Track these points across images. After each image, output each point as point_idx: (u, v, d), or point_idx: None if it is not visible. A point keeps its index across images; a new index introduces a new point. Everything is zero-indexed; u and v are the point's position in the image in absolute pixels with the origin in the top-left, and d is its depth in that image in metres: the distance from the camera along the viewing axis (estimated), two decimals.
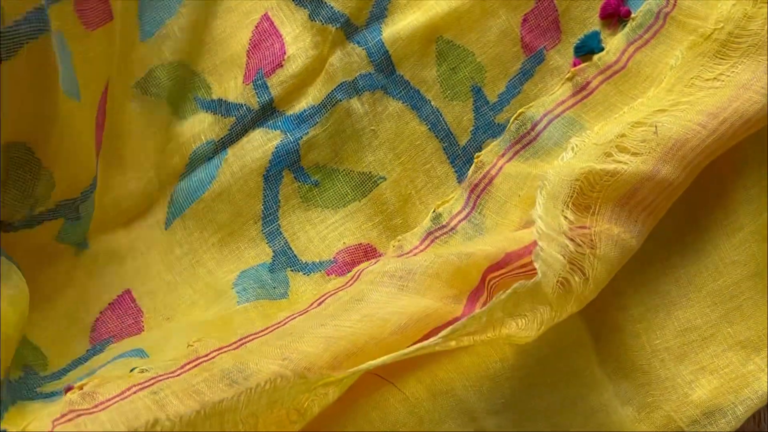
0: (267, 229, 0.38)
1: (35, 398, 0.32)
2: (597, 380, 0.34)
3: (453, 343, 0.30)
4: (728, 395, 0.34)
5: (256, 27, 0.39)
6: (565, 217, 0.32)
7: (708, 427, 0.34)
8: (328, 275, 0.38)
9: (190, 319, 0.36)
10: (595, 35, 0.39)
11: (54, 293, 0.36)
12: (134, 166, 0.38)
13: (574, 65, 0.39)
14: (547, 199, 0.32)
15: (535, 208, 0.32)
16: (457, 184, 0.39)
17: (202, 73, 0.39)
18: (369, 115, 0.38)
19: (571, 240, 0.31)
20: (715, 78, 0.35)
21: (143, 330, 0.37)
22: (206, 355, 0.30)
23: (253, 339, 0.31)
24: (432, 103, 0.39)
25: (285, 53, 0.39)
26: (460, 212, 0.37)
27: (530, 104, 0.38)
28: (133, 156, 0.38)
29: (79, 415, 0.27)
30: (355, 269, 0.35)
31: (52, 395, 0.32)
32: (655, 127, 0.33)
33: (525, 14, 0.39)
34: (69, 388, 0.29)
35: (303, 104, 0.38)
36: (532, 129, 0.38)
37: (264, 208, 0.38)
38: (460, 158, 0.39)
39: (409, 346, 0.29)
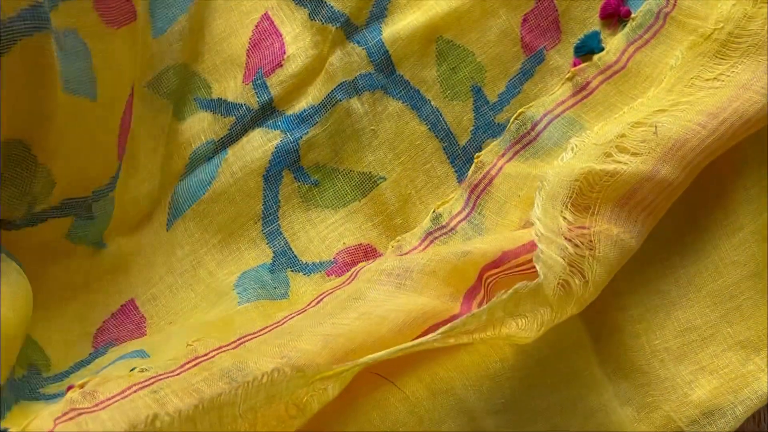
0: (267, 229, 0.38)
1: (38, 399, 0.33)
2: (597, 381, 0.34)
3: (452, 341, 0.30)
4: (727, 395, 0.34)
5: (256, 26, 0.39)
6: (564, 218, 0.32)
7: (707, 427, 0.34)
8: (328, 276, 0.38)
9: (191, 321, 0.36)
10: (595, 35, 0.39)
11: (65, 293, 0.36)
12: (145, 167, 0.38)
13: (574, 65, 0.39)
14: (546, 200, 0.32)
15: (533, 209, 0.32)
16: (457, 183, 0.39)
17: (202, 73, 0.39)
18: (369, 115, 0.38)
19: (570, 241, 0.31)
20: (715, 78, 0.35)
21: (145, 335, 0.37)
22: (205, 355, 0.30)
23: (251, 338, 0.31)
24: (432, 103, 0.39)
25: (285, 53, 0.39)
26: (460, 212, 0.37)
27: (530, 104, 0.38)
28: (144, 157, 0.38)
29: (80, 414, 0.27)
30: (353, 269, 0.35)
31: (54, 397, 0.33)
32: (655, 127, 0.33)
33: (525, 14, 0.39)
34: (70, 387, 0.29)
35: (303, 104, 0.38)
36: (532, 129, 0.38)
37: (264, 208, 0.38)
38: (460, 158, 0.39)
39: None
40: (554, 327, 0.32)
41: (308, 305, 0.33)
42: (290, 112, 0.38)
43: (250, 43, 0.39)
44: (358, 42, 0.38)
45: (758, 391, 0.34)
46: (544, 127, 0.38)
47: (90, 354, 0.35)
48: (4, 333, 0.29)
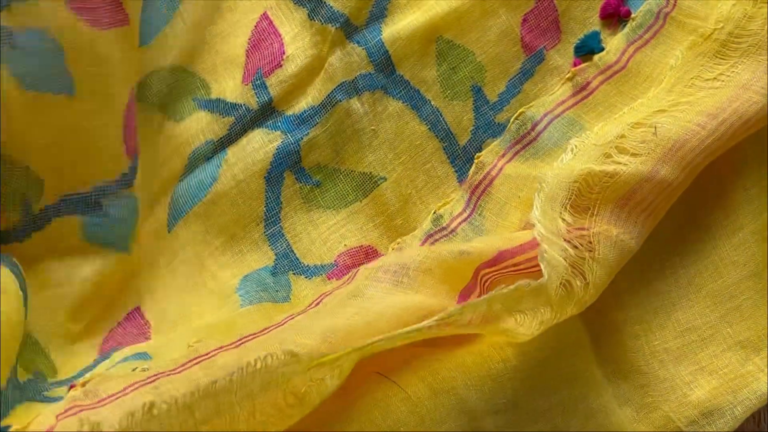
0: (269, 231, 0.38)
1: (43, 401, 0.33)
2: (597, 381, 0.35)
3: (448, 329, 0.30)
4: (727, 395, 0.34)
5: (255, 26, 0.39)
6: (563, 219, 0.32)
7: (706, 427, 0.34)
8: (329, 279, 0.38)
9: (194, 325, 0.36)
10: (595, 35, 0.39)
11: (79, 300, 0.36)
12: (141, 169, 0.37)
13: (575, 65, 0.39)
14: (545, 201, 0.33)
15: (532, 210, 0.32)
16: (457, 183, 0.39)
17: (200, 74, 0.39)
18: (369, 115, 0.38)
19: (570, 243, 0.31)
20: (715, 78, 0.35)
21: (149, 339, 0.37)
22: (206, 354, 0.30)
23: (252, 339, 0.31)
24: (432, 103, 0.39)
25: (284, 53, 0.39)
26: (460, 213, 0.38)
27: (530, 104, 0.38)
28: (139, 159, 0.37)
29: (81, 410, 0.28)
30: (353, 271, 0.35)
31: (59, 399, 0.33)
32: (655, 128, 0.34)
33: (525, 14, 0.39)
34: (72, 386, 0.29)
35: (303, 104, 0.39)
36: (532, 129, 0.38)
37: (266, 209, 0.38)
38: (460, 158, 0.39)
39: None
40: (555, 328, 0.32)
41: (308, 307, 0.33)
42: (290, 112, 0.38)
43: (249, 44, 0.39)
44: (357, 42, 0.38)
45: (757, 391, 0.34)
46: (545, 128, 0.38)
47: (95, 360, 0.35)
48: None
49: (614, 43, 0.38)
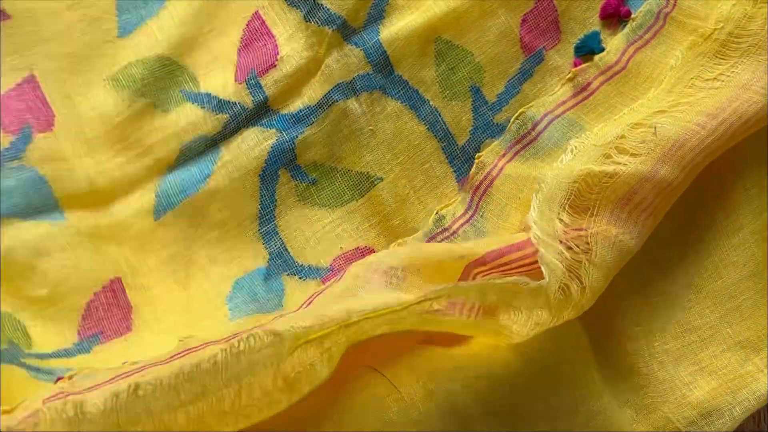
0: (263, 229, 0.38)
1: (21, 366, 0.33)
2: (596, 383, 0.35)
3: (439, 320, 0.30)
4: (726, 396, 0.34)
5: (246, 25, 0.39)
6: (561, 220, 0.32)
7: (705, 427, 0.34)
8: (324, 284, 0.37)
9: (179, 332, 0.36)
10: (595, 35, 0.39)
11: (39, 264, 0.36)
12: (106, 149, 0.38)
13: (575, 65, 0.39)
14: (543, 202, 0.33)
15: (530, 211, 0.33)
16: (456, 183, 0.39)
17: (189, 67, 0.39)
18: (367, 115, 0.38)
19: (565, 244, 0.31)
20: (715, 78, 0.35)
21: (131, 330, 0.36)
22: (195, 348, 0.30)
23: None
24: (431, 103, 0.39)
25: (278, 54, 0.38)
26: (462, 215, 0.37)
27: (530, 104, 0.38)
28: (105, 139, 0.38)
29: (68, 395, 0.28)
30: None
31: (37, 370, 0.33)
32: (654, 128, 0.34)
33: (524, 14, 0.39)
34: (60, 378, 0.30)
35: (298, 104, 0.38)
36: (533, 129, 0.38)
37: (260, 207, 0.38)
38: (459, 158, 0.39)
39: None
40: (554, 330, 0.32)
41: (299, 308, 0.33)
42: (285, 111, 0.38)
43: (241, 42, 0.39)
44: (355, 44, 0.38)
45: (757, 391, 0.34)
46: (545, 127, 0.38)
47: (74, 344, 0.36)
48: None
49: (614, 44, 0.38)
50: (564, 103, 0.38)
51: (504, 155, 0.38)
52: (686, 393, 0.34)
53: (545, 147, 0.37)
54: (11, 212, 0.36)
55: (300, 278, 0.38)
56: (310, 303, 0.33)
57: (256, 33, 0.39)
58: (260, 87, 0.38)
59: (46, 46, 0.38)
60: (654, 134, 0.33)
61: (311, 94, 0.38)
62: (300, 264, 0.38)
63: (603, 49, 0.38)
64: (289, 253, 0.38)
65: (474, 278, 0.33)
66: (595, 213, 0.32)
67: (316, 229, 0.38)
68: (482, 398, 0.32)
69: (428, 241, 0.37)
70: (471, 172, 0.38)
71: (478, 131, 0.39)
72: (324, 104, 0.38)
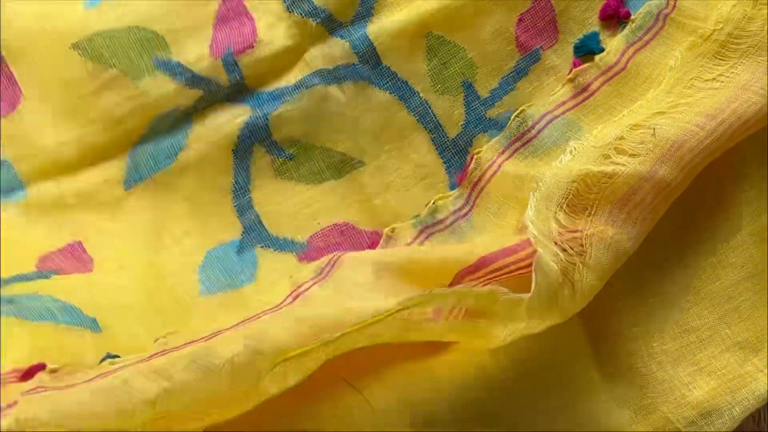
0: (238, 202, 0.38)
1: None
2: (595, 384, 0.35)
3: (417, 329, 0.30)
4: (725, 396, 0.34)
5: (224, 1, 0.39)
6: (557, 220, 0.32)
7: (705, 427, 0.34)
8: (300, 261, 0.37)
9: (146, 302, 0.36)
10: (595, 36, 0.39)
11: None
12: (73, 119, 0.38)
13: (575, 65, 0.39)
14: (540, 201, 0.33)
15: (527, 210, 0.33)
16: (446, 174, 0.38)
17: (160, 33, 0.38)
18: (351, 103, 0.38)
19: (559, 246, 0.31)
20: (714, 79, 0.35)
21: (92, 271, 0.36)
22: (176, 348, 0.30)
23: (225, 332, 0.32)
24: (421, 95, 0.39)
25: (257, 37, 0.38)
26: (459, 210, 0.37)
27: (530, 103, 0.38)
28: (72, 110, 0.38)
29: (46, 390, 0.29)
30: (328, 257, 0.35)
31: None
32: (653, 129, 0.34)
33: (521, 14, 0.39)
34: (41, 367, 0.30)
35: (275, 85, 0.38)
36: (532, 127, 0.38)
37: (234, 181, 0.38)
38: (450, 150, 0.39)
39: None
40: (549, 332, 0.32)
41: (283, 302, 0.33)
42: (261, 90, 0.38)
43: (217, 17, 0.39)
44: (341, 36, 0.38)
45: (756, 391, 0.34)
46: (544, 126, 0.38)
47: (33, 272, 0.35)
48: None
49: (614, 45, 0.38)
50: (564, 103, 0.38)
51: (503, 152, 0.38)
52: (685, 393, 0.34)
53: (544, 146, 0.37)
54: None
55: (275, 250, 0.37)
56: (295, 298, 0.33)
57: (234, 10, 0.38)
58: (236, 65, 0.38)
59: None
60: (653, 135, 0.33)
61: (290, 78, 0.38)
62: (275, 236, 0.38)
63: (602, 50, 0.38)
64: (263, 225, 0.38)
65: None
66: (592, 213, 0.32)
67: (292, 203, 0.38)
68: (457, 407, 0.33)
69: (422, 233, 0.37)
70: (469, 168, 0.38)
71: (470, 125, 0.39)
72: (302, 86, 0.38)
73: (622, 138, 0.34)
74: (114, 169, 0.38)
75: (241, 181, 0.38)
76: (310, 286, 0.33)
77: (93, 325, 0.34)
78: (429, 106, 0.38)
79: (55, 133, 0.37)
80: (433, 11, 0.38)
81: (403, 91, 0.38)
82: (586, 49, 0.39)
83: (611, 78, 0.37)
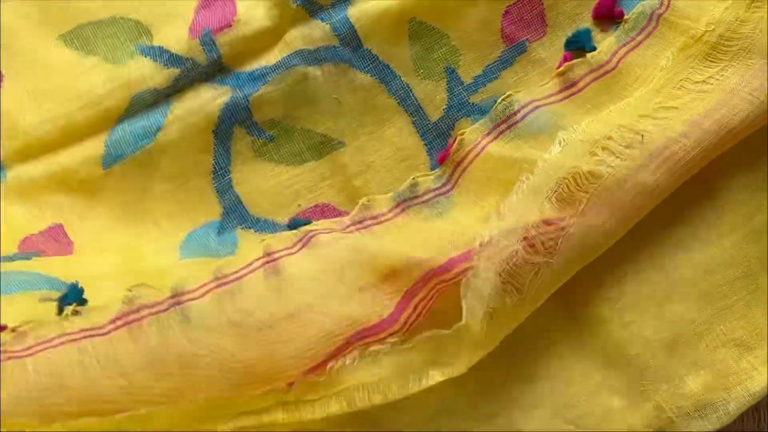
0: (218, 183, 0.38)
1: None
2: (586, 372, 0.34)
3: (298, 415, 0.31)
4: (720, 391, 0.34)
5: None
6: (541, 211, 0.32)
7: (699, 420, 0.34)
8: None
9: (125, 262, 0.36)
10: (587, 32, 0.39)
11: None
12: (53, 99, 0.37)
13: (566, 59, 0.38)
14: (527, 191, 0.33)
15: (510, 196, 0.33)
16: (426, 156, 0.38)
17: (143, 22, 0.38)
18: (330, 84, 0.38)
19: (528, 242, 0.31)
20: (704, 81, 0.35)
21: (72, 254, 0.36)
22: (137, 311, 0.30)
23: (186, 300, 0.31)
24: (402, 78, 0.38)
25: (235, 16, 0.38)
26: (440, 188, 0.37)
27: (518, 89, 0.38)
28: (53, 91, 0.37)
29: (9, 358, 0.29)
30: (301, 231, 0.34)
31: None
32: (642, 136, 0.33)
33: (507, 6, 0.39)
34: (3, 328, 0.30)
35: (255, 65, 0.38)
36: (518, 111, 0.37)
37: (215, 162, 0.38)
38: (431, 132, 0.38)
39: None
40: (540, 323, 0.33)
41: (255, 261, 0.33)
42: (240, 70, 0.38)
43: (199, 2, 0.38)
44: (322, 19, 0.38)
45: (751, 389, 0.34)
46: (530, 112, 0.37)
47: (15, 253, 0.35)
48: None
49: (605, 44, 0.38)
50: (551, 96, 0.37)
51: (488, 134, 0.37)
52: (679, 384, 0.34)
53: (530, 130, 0.37)
54: None
55: (255, 231, 0.37)
56: (266, 263, 0.33)
57: None
58: (214, 44, 0.37)
59: None
60: (641, 143, 0.33)
61: (269, 57, 0.38)
62: (255, 217, 0.38)
63: (594, 48, 0.38)
64: (243, 206, 0.38)
65: (434, 289, 0.32)
66: (578, 210, 0.32)
67: (272, 184, 0.38)
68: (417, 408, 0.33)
69: (399, 206, 0.36)
70: (453, 148, 0.37)
71: (453, 110, 0.38)
72: (282, 66, 0.38)
73: (610, 138, 0.34)
74: (93, 149, 0.37)
75: (221, 161, 0.38)
76: (284, 256, 0.33)
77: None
78: (410, 90, 0.38)
79: (34, 114, 0.37)
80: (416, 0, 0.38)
81: (384, 74, 0.38)
82: (578, 45, 0.38)
83: (601, 76, 0.37)
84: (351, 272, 0.32)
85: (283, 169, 0.38)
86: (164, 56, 0.37)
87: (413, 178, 0.37)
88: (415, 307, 0.32)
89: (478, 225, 0.34)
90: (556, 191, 0.33)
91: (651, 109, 0.35)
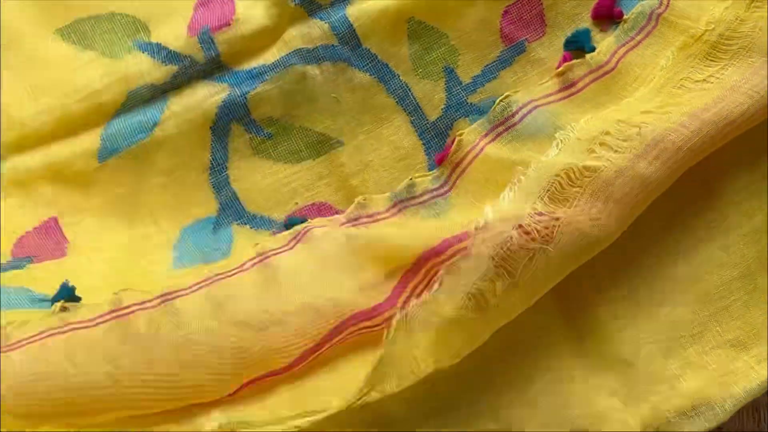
0: (214, 179, 0.38)
1: None
2: (582, 373, 0.34)
3: None
4: (716, 390, 0.34)
5: None
6: (534, 208, 0.32)
7: (695, 418, 0.34)
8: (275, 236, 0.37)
9: (117, 282, 0.35)
10: (587, 32, 0.39)
11: None
12: (49, 92, 0.37)
13: (565, 59, 0.38)
14: (519, 191, 0.33)
15: (504, 192, 0.33)
16: (425, 156, 0.38)
17: (142, 19, 0.38)
18: (329, 83, 0.38)
19: (524, 229, 0.31)
20: (704, 80, 0.35)
21: (66, 255, 0.36)
22: (126, 307, 0.31)
23: (175, 297, 0.31)
24: (401, 78, 0.39)
25: (234, 15, 0.38)
26: (437, 189, 0.37)
27: (517, 90, 0.38)
28: (49, 84, 0.37)
29: None
30: (295, 229, 0.35)
31: None
32: (639, 127, 0.33)
33: (507, 6, 0.39)
34: None
35: (253, 63, 0.38)
36: (517, 112, 0.37)
37: (212, 158, 0.38)
38: (429, 132, 0.38)
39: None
40: (535, 324, 0.33)
41: (248, 262, 0.33)
42: (239, 68, 0.38)
43: (198, 1, 0.39)
44: (320, 18, 0.38)
45: (747, 387, 0.34)
46: (528, 113, 0.37)
47: (8, 261, 0.36)
48: None
49: (605, 45, 0.38)
50: (550, 95, 0.37)
51: (486, 135, 0.37)
52: (675, 384, 0.34)
53: (528, 131, 0.37)
54: None
55: (251, 228, 0.37)
56: (257, 263, 0.33)
57: None
58: (212, 42, 0.38)
59: None
60: (638, 134, 0.33)
61: (268, 56, 0.38)
62: (252, 213, 0.38)
63: (593, 48, 0.38)
64: (240, 203, 0.38)
65: (430, 270, 0.32)
66: (572, 205, 0.32)
67: (270, 182, 0.38)
68: (416, 403, 0.32)
69: (395, 206, 0.36)
70: (451, 149, 0.37)
71: (451, 109, 0.38)
72: (280, 65, 0.38)
73: (607, 133, 0.33)
74: (88, 142, 0.37)
75: (218, 158, 0.38)
76: (277, 254, 0.33)
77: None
78: (409, 89, 0.38)
79: (31, 107, 0.37)
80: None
81: (383, 73, 0.38)
82: (578, 45, 0.38)
83: (601, 76, 0.37)
84: (345, 258, 0.32)
85: (281, 167, 0.38)
86: (162, 53, 0.38)
87: (411, 179, 0.37)
88: (413, 291, 0.32)
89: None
90: (548, 190, 0.33)
91: (652, 106, 0.35)
